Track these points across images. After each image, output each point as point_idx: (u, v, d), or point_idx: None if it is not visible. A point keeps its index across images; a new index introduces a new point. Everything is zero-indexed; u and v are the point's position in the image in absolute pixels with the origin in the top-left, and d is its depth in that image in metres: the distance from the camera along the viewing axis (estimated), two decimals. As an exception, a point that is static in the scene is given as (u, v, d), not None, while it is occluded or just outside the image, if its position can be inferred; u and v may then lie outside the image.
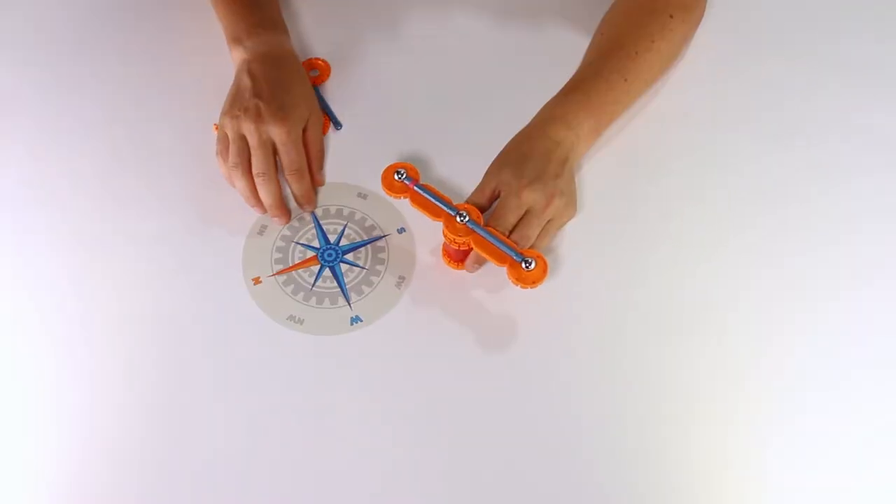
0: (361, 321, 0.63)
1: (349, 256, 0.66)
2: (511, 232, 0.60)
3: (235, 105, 0.66)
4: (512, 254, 0.58)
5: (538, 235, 0.62)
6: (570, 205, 0.64)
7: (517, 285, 0.58)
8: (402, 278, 0.65)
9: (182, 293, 0.64)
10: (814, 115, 0.73)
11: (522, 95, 0.68)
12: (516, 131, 0.66)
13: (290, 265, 0.65)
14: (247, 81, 0.67)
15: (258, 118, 0.65)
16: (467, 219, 0.59)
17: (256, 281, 0.64)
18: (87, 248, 0.66)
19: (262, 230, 0.67)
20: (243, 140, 0.66)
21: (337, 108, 0.73)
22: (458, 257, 0.63)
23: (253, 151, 0.65)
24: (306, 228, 0.67)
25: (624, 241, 0.67)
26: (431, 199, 0.61)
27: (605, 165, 0.70)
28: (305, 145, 0.68)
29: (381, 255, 0.66)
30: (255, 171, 0.65)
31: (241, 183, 0.66)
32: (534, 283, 0.58)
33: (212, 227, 0.67)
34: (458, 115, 0.73)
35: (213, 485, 0.57)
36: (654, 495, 0.57)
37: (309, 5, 0.80)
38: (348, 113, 0.73)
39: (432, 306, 0.64)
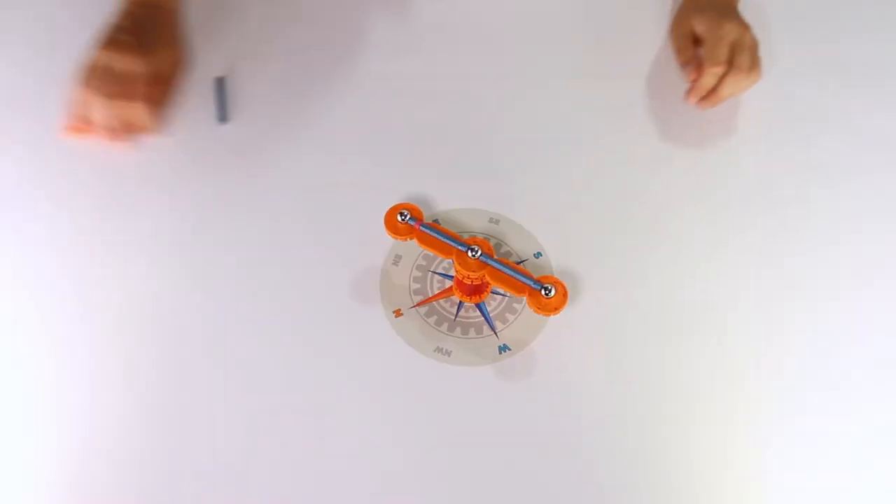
0: (510, 350, 0.62)
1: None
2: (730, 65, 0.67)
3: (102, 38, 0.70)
4: (529, 282, 0.57)
5: (752, 65, 0.68)
6: (750, 29, 0.70)
7: (539, 314, 0.57)
8: None
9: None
10: (814, 115, 0.73)
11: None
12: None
13: (431, 296, 0.64)
14: (120, 19, 0.71)
15: (118, 49, 0.68)
16: (479, 253, 0.58)
17: (398, 313, 0.64)
18: (89, 249, 0.66)
19: (396, 260, 0.66)
20: (108, 68, 0.68)
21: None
22: (471, 291, 0.62)
23: (110, 77, 0.67)
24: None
25: (624, 241, 0.67)
26: (439, 238, 0.60)
27: (604, 165, 0.70)
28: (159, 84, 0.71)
29: None
30: (106, 91, 0.67)
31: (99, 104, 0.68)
32: (555, 309, 0.56)
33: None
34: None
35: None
36: (654, 495, 0.57)
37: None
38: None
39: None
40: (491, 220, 0.68)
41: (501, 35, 0.79)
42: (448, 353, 0.62)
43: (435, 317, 0.64)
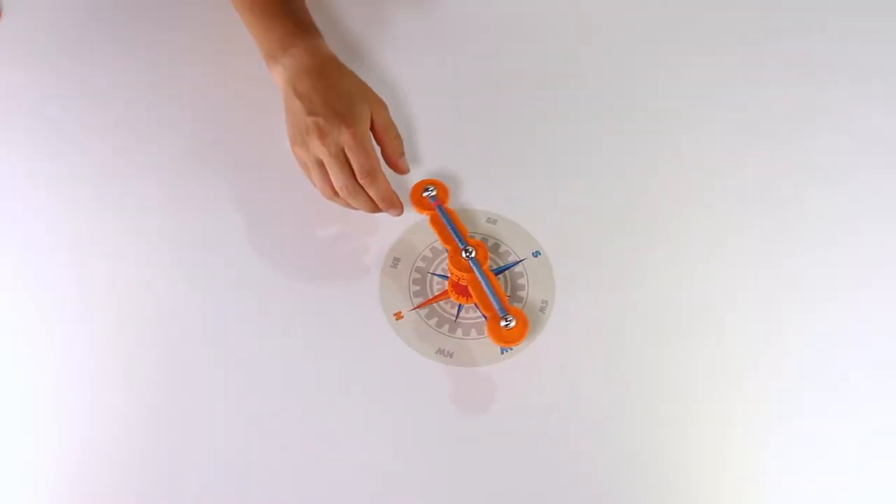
0: (511, 349, 0.62)
1: None
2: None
3: (297, 131, 0.63)
4: (497, 307, 0.57)
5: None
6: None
7: (493, 341, 0.56)
8: (545, 303, 0.64)
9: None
10: (814, 115, 0.73)
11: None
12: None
13: (430, 297, 0.64)
14: (297, 104, 0.64)
15: (321, 134, 0.61)
16: (472, 255, 0.58)
17: (398, 316, 0.63)
18: (89, 249, 0.66)
19: (395, 263, 0.66)
20: (320, 163, 0.63)
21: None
22: (459, 291, 0.63)
23: (330, 169, 0.62)
24: (441, 258, 0.66)
25: (623, 241, 0.67)
26: (448, 226, 0.61)
27: (604, 164, 0.70)
28: (379, 138, 0.65)
29: (520, 281, 0.65)
30: (337, 186, 0.62)
31: (336, 201, 0.64)
32: (509, 342, 0.56)
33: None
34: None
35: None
36: (653, 496, 0.57)
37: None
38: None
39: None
40: (489, 220, 0.68)
41: (500, 35, 0.79)
42: (450, 355, 0.62)
43: (436, 318, 0.64)
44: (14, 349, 0.62)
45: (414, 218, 0.67)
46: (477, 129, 0.73)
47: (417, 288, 0.65)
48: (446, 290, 0.64)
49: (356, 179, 0.62)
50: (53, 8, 0.80)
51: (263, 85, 0.75)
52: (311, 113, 0.62)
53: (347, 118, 0.62)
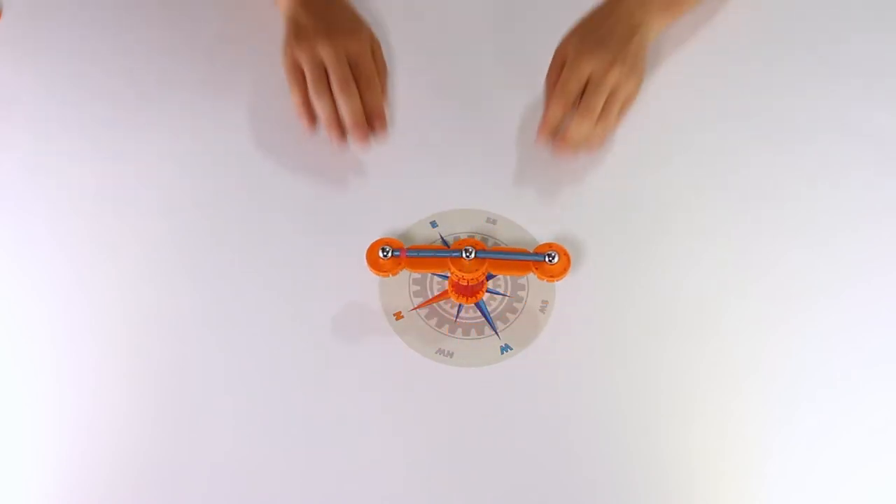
0: (511, 349, 0.62)
1: (488, 284, 0.64)
2: (579, 103, 0.61)
3: (301, 35, 0.66)
4: (531, 258, 0.58)
5: (604, 111, 0.62)
6: (634, 74, 0.63)
7: (550, 282, 0.58)
8: (545, 303, 0.64)
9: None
10: (814, 115, 0.73)
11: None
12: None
13: (430, 297, 0.64)
14: (304, 15, 0.68)
15: (330, 37, 0.65)
16: (473, 253, 0.58)
17: (398, 316, 0.63)
18: (90, 249, 0.66)
19: None
20: (320, 64, 0.65)
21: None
22: (468, 292, 0.62)
23: (332, 69, 0.65)
24: None
25: (623, 240, 0.67)
26: (427, 255, 0.59)
27: (605, 165, 0.70)
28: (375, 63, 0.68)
29: (520, 281, 0.65)
30: (337, 87, 0.64)
31: (323, 103, 0.65)
32: (564, 271, 0.57)
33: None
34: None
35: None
36: (653, 495, 0.57)
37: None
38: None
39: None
40: (488, 220, 0.68)
41: (498, 31, 0.78)
42: (450, 355, 0.62)
43: (436, 318, 0.64)
44: (14, 349, 0.62)
45: (414, 216, 0.68)
46: (477, 129, 0.73)
47: (417, 288, 0.65)
48: (446, 290, 0.64)
49: (355, 85, 0.64)
50: (53, 7, 0.80)
51: (266, 85, 0.75)
52: (319, 20, 0.66)
53: (356, 34, 0.67)
